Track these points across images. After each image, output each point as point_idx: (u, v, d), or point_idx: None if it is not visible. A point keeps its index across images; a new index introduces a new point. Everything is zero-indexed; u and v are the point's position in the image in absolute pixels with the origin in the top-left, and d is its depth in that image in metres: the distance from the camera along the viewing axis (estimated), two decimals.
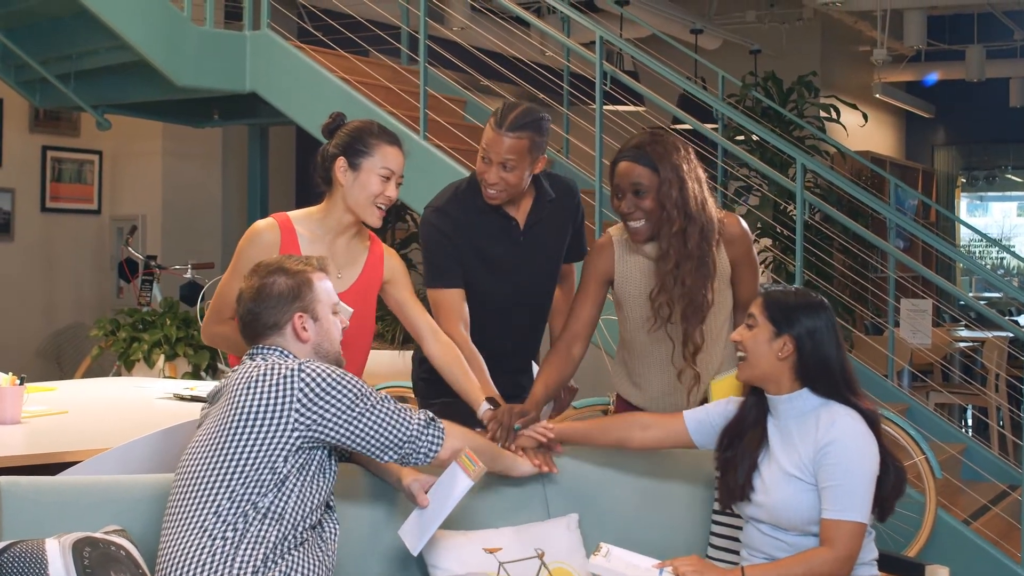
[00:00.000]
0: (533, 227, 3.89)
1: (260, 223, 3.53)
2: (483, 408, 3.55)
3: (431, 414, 3.05)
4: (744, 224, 3.83)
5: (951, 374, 9.19)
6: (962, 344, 9.42)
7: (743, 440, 3.23)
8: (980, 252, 15.17)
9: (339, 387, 2.88)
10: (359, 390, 2.91)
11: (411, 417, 2.99)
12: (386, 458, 2.97)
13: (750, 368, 3.18)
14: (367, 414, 2.90)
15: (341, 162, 3.50)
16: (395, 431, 2.94)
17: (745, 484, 3.17)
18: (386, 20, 7.67)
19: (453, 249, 3.82)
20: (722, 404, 3.38)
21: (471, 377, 3.62)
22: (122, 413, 4.61)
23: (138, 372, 7.13)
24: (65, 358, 9.07)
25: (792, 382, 3.14)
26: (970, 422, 9.76)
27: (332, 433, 2.87)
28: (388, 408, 2.95)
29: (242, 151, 9.04)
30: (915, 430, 5.52)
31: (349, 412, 2.87)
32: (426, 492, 3.12)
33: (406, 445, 2.97)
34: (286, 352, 2.99)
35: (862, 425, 3.07)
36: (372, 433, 2.91)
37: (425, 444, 2.99)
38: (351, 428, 2.88)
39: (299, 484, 2.85)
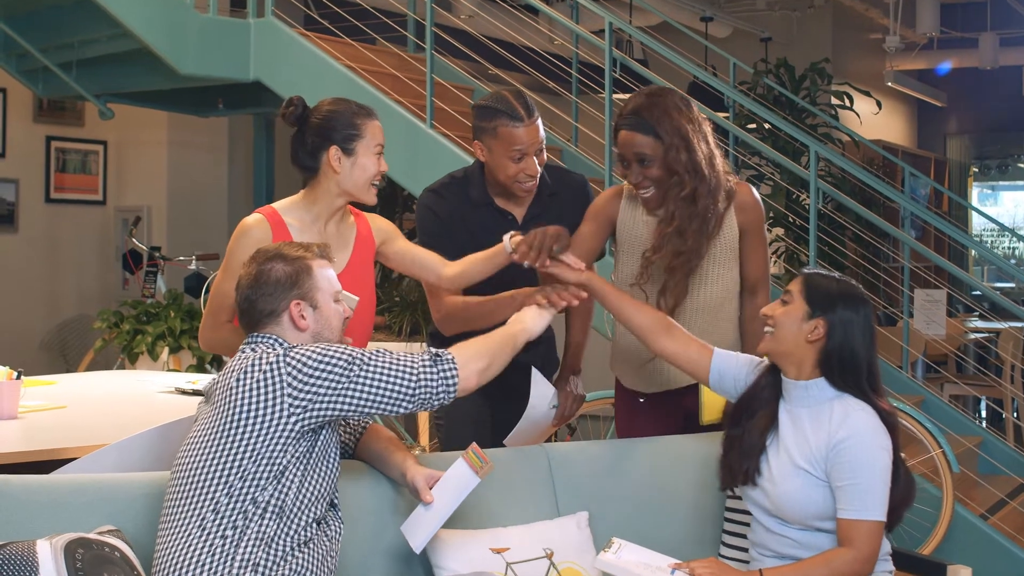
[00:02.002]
0: (531, 222, 3.78)
1: (248, 220, 3.44)
2: (507, 239, 3.39)
3: (435, 350, 2.91)
4: (756, 194, 3.71)
5: (965, 365, 9.09)
6: (977, 335, 9.32)
7: (753, 419, 3.13)
8: (992, 242, 15.08)
9: (327, 360, 2.77)
10: (349, 356, 2.80)
11: (414, 361, 2.86)
12: (403, 409, 2.84)
13: (775, 342, 3.07)
14: (364, 375, 2.79)
15: (334, 151, 3.40)
16: (401, 381, 2.82)
17: (751, 468, 3.08)
18: (393, 8, 7.59)
19: (447, 228, 3.75)
20: (755, 362, 3.24)
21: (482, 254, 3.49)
22: (122, 408, 4.53)
23: (142, 365, 7.07)
24: (70, 351, 9.01)
25: (813, 368, 3.04)
26: (984, 414, 9.66)
27: (336, 407, 2.77)
28: (385, 361, 2.83)
29: (248, 141, 8.98)
30: (932, 423, 5.44)
31: (345, 380, 2.77)
32: (431, 488, 3.02)
33: (419, 390, 2.84)
34: (282, 341, 2.90)
35: (875, 420, 2.98)
36: (377, 392, 2.80)
37: (439, 383, 2.86)
38: (353, 396, 2.78)
39: (298, 475, 2.76)
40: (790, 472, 3.01)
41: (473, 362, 2.93)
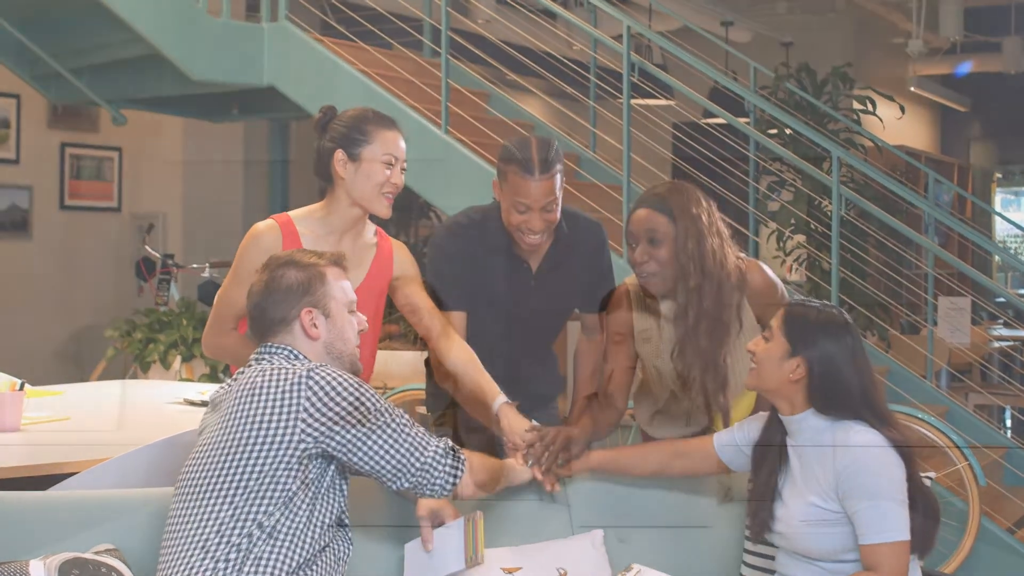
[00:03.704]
0: (546, 274, 3.70)
1: (260, 225, 3.36)
2: (499, 401, 3.33)
3: (452, 444, 2.85)
4: (769, 272, 3.57)
5: (989, 374, 8.98)
6: (1001, 343, 9.20)
7: (766, 463, 3.07)
8: (1016, 248, 14.98)
9: (351, 398, 2.69)
10: (374, 404, 2.72)
11: (429, 443, 2.79)
12: (397, 485, 2.78)
13: (757, 379, 3.02)
14: (380, 432, 2.71)
15: (340, 155, 3.33)
16: (410, 455, 2.75)
17: (768, 515, 3.01)
18: (409, 12, 7.54)
19: (456, 270, 3.65)
20: (746, 424, 3.21)
21: (486, 375, 3.41)
22: (127, 420, 4.47)
23: (154, 374, 7.01)
24: (84, 359, 8.97)
25: (804, 403, 2.97)
26: (1008, 423, 9.54)
27: (340, 448, 2.68)
28: (405, 429, 2.75)
29: (263, 147, 8.93)
30: (957, 435, 5.33)
31: (360, 427, 2.68)
32: (433, 528, 2.98)
33: (420, 473, 2.77)
34: (296, 352, 2.81)
35: (877, 438, 2.88)
36: (384, 455, 2.72)
37: (441, 476, 2.80)
38: (362, 446, 2.69)
39: (307, 501, 2.67)
40: (803, 511, 2.93)
41: (479, 473, 2.91)
